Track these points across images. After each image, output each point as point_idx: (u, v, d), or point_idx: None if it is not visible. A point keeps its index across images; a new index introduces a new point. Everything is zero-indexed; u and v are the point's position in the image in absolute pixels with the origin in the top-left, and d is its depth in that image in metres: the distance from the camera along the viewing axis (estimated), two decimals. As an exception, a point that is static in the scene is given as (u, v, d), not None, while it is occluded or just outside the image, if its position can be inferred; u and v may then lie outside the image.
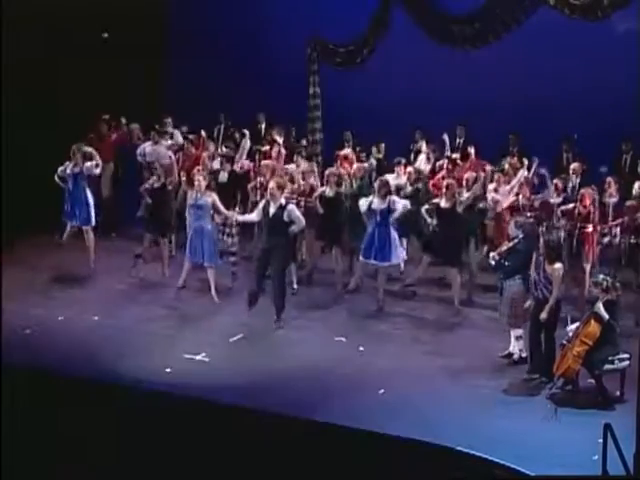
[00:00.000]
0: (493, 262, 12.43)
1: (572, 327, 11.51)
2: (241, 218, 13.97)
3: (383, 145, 16.97)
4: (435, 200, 14.10)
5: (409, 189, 14.94)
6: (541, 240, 11.97)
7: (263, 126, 18.37)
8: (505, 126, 16.94)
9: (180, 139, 16.90)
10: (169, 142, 16.61)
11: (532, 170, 14.97)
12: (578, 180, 15.14)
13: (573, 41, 16.87)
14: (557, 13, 16.24)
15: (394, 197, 13.86)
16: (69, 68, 17.59)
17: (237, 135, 17.38)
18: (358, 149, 16.56)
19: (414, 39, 17.35)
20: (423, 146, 16.01)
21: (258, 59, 18.91)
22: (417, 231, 14.79)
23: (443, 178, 14.96)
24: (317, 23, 18.39)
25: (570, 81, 16.89)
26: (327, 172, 14.73)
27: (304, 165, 15.33)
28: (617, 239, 13.59)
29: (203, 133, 16.95)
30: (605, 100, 16.31)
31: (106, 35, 18.59)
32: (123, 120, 17.52)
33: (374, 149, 16.93)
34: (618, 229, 13.60)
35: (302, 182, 14.79)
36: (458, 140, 17.46)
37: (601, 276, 11.66)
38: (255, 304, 13.31)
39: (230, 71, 19.08)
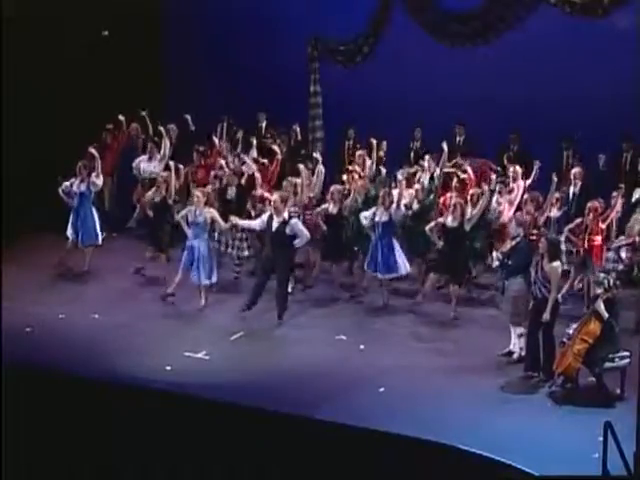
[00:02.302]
0: (497, 262, 12.46)
1: (574, 326, 11.50)
2: (241, 223, 13.97)
3: (385, 143, 16.91)
4: (440, 219, 13.79)
5: (416, 206, 14.49)
6: (542, 239, 11.99)
7: (264, 125, 18.35)
8: (505, 125, 16.91)
9: (168, 150, 16.38)
10: (161, 154, 16.25)
11: (533, 175, 14.89)
12: (579, 186, 14.97)
13: (573, 39, 16.83)
14: (557, 11, 16.24)
15: (394, 206, 13.84)
16: (69, 67, 17.55)
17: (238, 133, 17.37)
18: (358, 146, 16.47)
19: (414, 37, 17.33)
20: (425, 163, 15.69)
21: (259, 57, 18.86)
22: (421, 251, 14.38)
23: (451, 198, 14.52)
24: (318, 22, 18.37)
25: (570, 80, 16.84)
26: (332, 189, 14.55)
27: (305, 173, 15.15)
28: (624, 255, 13.46)
29: (216, 141, 16.52)
30: (605, 98, 16.26)
31: (106, 33, 18.51)
32: (121, 118, 17.26)
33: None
34: (624, 249, 13.47)
35: (308, 194, 14.71)
36: (458, 138, 17.44)
37: (602, 275, 11.67)
38: (250, 310, 13.47)
39: (231, 69, 19.06)
